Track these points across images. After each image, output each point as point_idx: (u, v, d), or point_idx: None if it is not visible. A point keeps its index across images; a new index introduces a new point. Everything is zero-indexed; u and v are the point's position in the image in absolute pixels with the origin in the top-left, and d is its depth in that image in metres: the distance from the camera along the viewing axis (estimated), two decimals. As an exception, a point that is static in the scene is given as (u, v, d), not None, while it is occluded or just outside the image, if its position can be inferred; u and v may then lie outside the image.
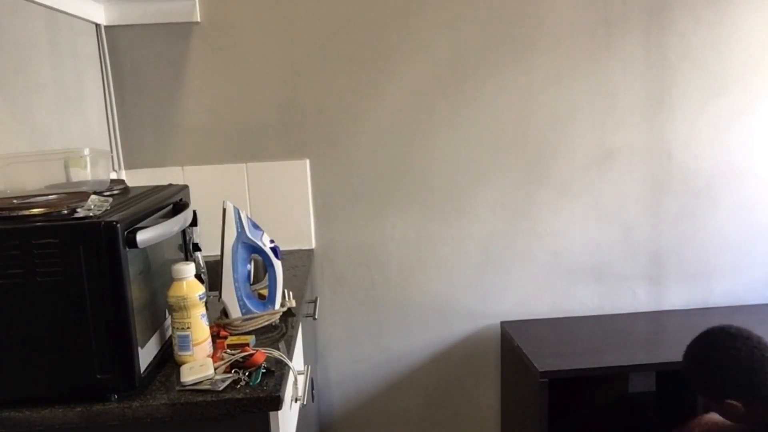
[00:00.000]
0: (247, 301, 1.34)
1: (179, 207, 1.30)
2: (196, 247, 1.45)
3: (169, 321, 1.18)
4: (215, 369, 1.11)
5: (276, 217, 2.12)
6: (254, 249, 1.37)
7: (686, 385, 1.93)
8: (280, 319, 1.40)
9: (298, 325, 1.45)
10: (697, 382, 1.38)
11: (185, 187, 1.45)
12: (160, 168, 2.08)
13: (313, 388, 1.99)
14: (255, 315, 1.34)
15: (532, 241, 2.23)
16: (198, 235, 1.46)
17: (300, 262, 1.95)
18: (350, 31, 2.07)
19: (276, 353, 1.16)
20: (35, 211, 1.00)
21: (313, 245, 2.16)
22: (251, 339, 1.26)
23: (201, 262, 1.50)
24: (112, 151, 2.03)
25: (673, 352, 1.95)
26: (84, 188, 1.19)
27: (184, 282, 1.13)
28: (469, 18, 2.08)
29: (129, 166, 2.08)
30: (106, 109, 2.01)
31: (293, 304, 1.43)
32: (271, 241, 1.40)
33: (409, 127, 2.13)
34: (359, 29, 2.06)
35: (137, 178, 2.06)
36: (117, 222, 0.97)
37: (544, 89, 2.14)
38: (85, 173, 1.24)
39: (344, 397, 2.29)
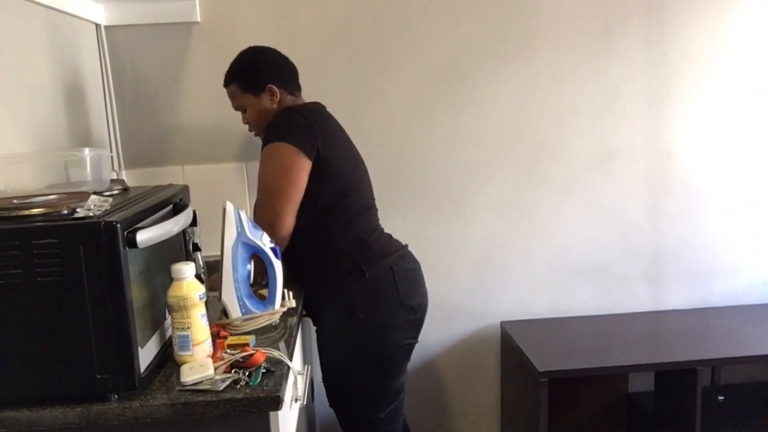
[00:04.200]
0: (247, 301, 1.34)
1: (179, 207, 1.30)
2: (196, 247, 1.45)
3: (169, 321, 1.18)
4: (215, 369, 1.10)
5: (276, 217, 2.12)
6: (254, 249, 1.37)
7: (686, 385, 1.93)
8: (280, 319, 1.40)
9: (298, 325, 1.45)
10: (243, 77, 1.62)
11: (185, 187, 1.45)
12: (160, 168, 2.08)
13: (312, 388, 1.99)
14: (255, 315, 1.34)
15: (532, 241, 2.23)
16: (198, 235, 1.46)
17: (300, 262, 1.95)
18: (350, 31, 2.07)
19: (276, 353, 1.16)
20: (35, 211, 1.00)
21: (313, 245, 2.16)
22: (251, 339, 1.26)
23: (201, 262, 1.49)
24: (112, 151, 2.03)
25: (673, 352, 1.95)
26: (84, 188, 1.19)
27: (184, 282, 1.13)
28: (468, 18, 2.08)
29: (129, 166, 2.08)
30: (106, 109, 2.01)
31: (293, 304, 1.43)
32: (271, 241, 1.40)
33: (409, 127, 2.13)
34: (359, 29, 2.06)
35: (137, 178, 2.06)
36: (117, 222, 0.96)
37: (543, 89, 2.14)
38: (85, 173, 1.24)
39: (344, 397, 2.29)
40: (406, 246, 1.69)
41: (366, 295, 1.57)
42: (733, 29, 2.15)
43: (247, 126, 1.72)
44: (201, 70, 2.04)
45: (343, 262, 1.58)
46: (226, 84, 1.67)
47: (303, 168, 1.52)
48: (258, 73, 1.63)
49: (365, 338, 1.57)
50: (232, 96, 1.67)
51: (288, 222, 1.52)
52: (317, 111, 1.63)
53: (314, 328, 1.70)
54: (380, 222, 1.72)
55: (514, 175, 2.19)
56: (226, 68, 1.66)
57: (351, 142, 1.69)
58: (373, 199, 1.71)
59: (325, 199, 1.56)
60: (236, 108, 1.69)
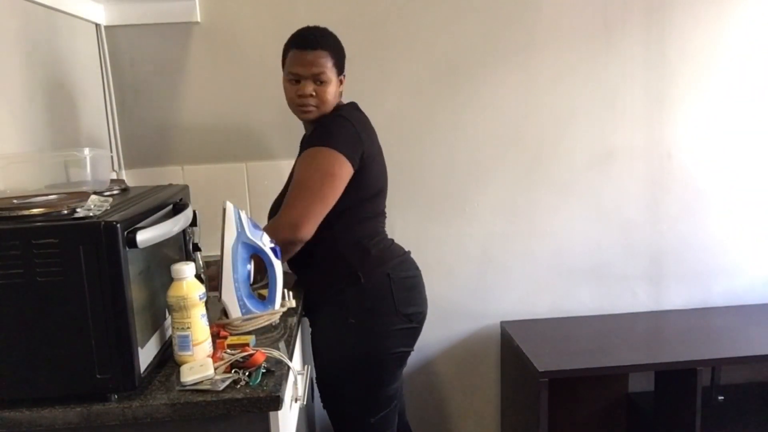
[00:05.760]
0: (247, 301, 1.34)
1: (179, 207, 1.30)
2: (196, 247, 1.45)
3: (169, 321, 1.18)
4: (215, 369, 1.10)
5: (276, 217, 2.12)
6: (254, 249, 1.37)
7: (686, 385, 1.93)
8: (280, 319, 1.40)
9: (298, 325, 1.45)
10: (338, 53, 1.62)
11: (185, 187, 1.45)
12: (160, 168, 2.08)
13: (312, 388, 1.99)
14: (255, 315, 1.34)
15: (532, 241, 2.23)
16: (198, 235, 1.46)
17: (300, 262, 1.95)
18: (350, 31, 2.06)
19: (276, 353, 1.16)
20: (35, 211, 1.00)
21: (313, 245, 2.16)
22: (251, 339, 1.26)
23: (201, 262, 1.49)
24: (112, 151, 2.03)
25: (673, 352, 1.95)
26: (84, 188, 1.19)
27: (184, 282, 1.13)
28: (468, 17, 2.08)
29: (129, 166, 2.08)
30: (106, 109, 2.01)
31: (293, 304, 1.43)
32: (271, 241, 1.40)
33: (408, 127, 2.13)
34: (359, 29, 2.06)
35: (137, 178, 2.06)
36: (117, 222, 0.96)
37: (544, 89, 2.13)
38: (85, 173, 1.24)
39: (344, 397, 2.29)
40: (408, 253, 1.68)
41: (360, 301, 1.56)
42: (733, 29, 2.15)
43: (297, 99, 1.57)
44: (201, 70, 2.04)
45: (341, 266, 1.57)
46: (316, 47, 1.56)
47: (346, 178, 1.51)
48: (344, 58, 1.64)
49: (356, 344, 1.56)
50: (315, 60, 1.54)
51: (313, 227, 1.49)
52: (363, 120, 1.63)
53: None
54: (385, 227, 1.71)
55: (514, 175, 2.18)
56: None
57: (381, 148, 1.67)
58: (385, 206, 1.70)
59: (345, 203, 1.54)
60: (308, 75, 1.55)
